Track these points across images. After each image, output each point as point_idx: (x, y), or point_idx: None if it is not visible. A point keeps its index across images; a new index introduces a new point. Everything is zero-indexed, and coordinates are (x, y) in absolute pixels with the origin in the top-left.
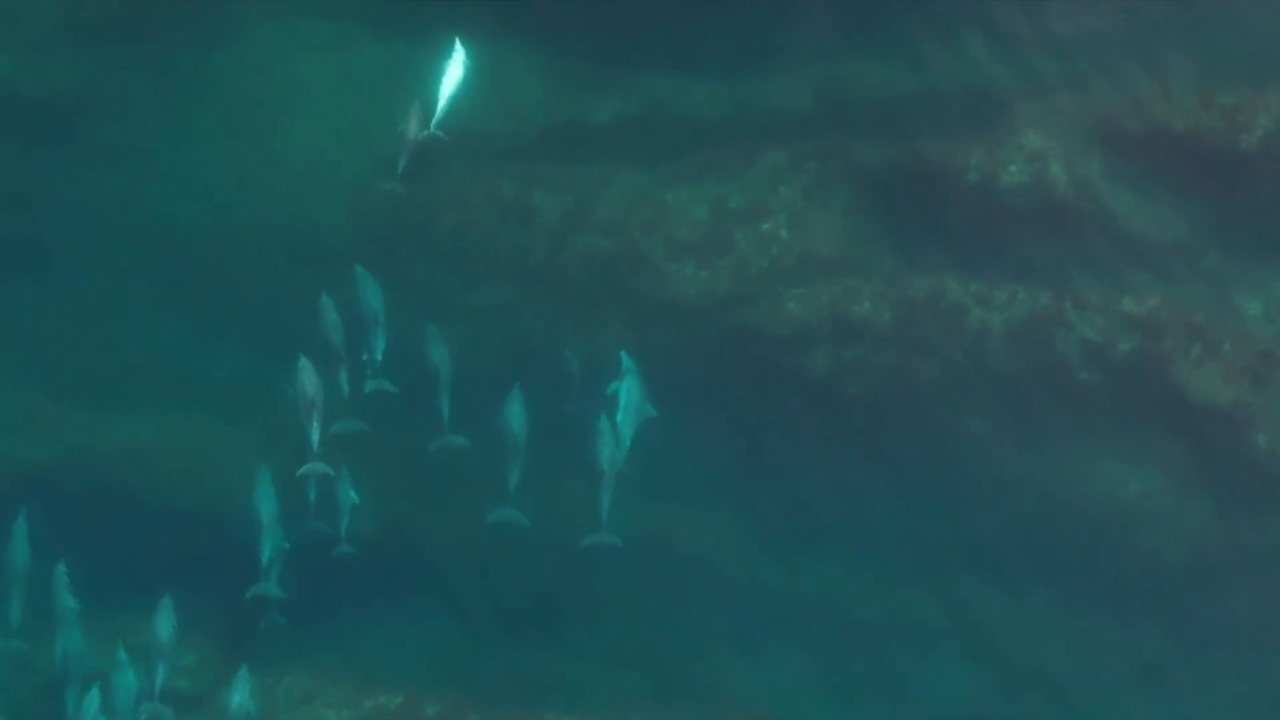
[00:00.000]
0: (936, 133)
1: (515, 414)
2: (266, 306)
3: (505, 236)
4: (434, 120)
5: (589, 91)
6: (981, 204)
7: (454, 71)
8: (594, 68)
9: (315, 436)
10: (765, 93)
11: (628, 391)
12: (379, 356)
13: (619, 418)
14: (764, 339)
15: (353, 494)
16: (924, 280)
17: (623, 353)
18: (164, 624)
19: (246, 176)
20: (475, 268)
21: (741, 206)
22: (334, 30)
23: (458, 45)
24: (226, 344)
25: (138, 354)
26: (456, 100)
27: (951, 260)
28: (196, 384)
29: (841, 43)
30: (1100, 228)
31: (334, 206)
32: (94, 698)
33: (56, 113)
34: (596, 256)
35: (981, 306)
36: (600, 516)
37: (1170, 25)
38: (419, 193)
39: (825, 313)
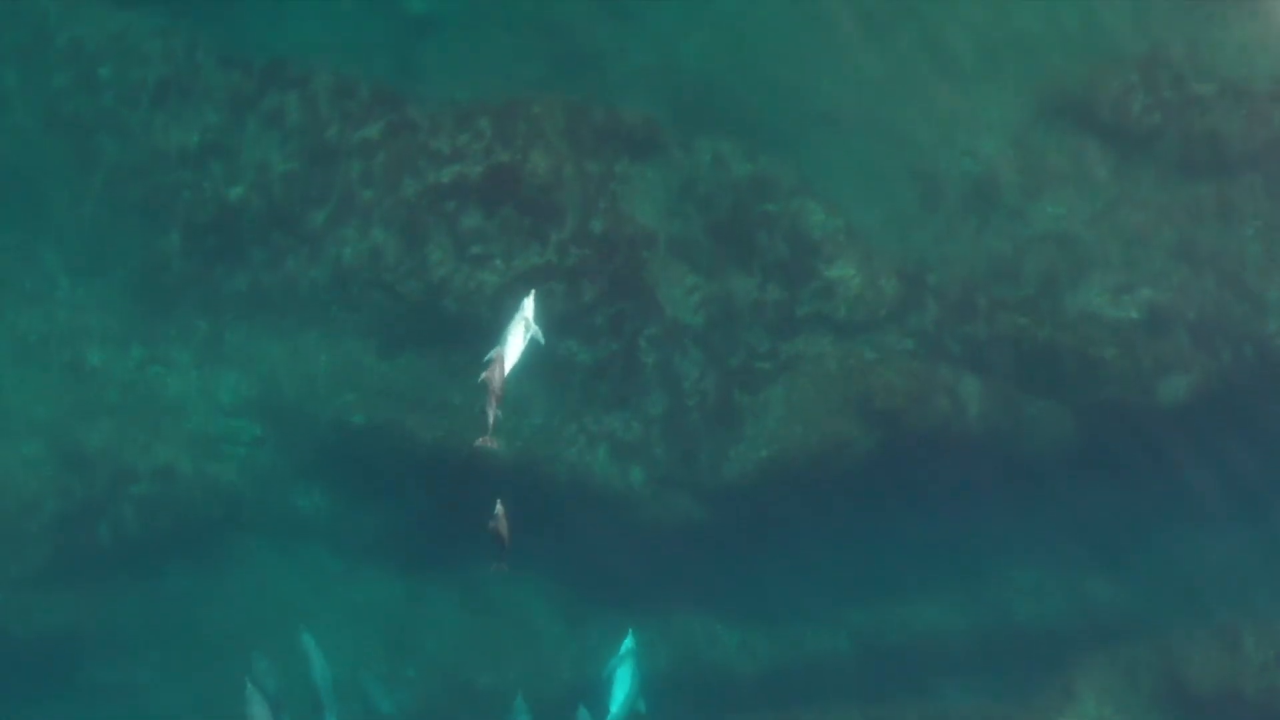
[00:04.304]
0: (985, 689)
1: None
2: None
3: None
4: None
5: (613, 635)
6: None
7: (518, 337)
8: (618, 608)
9: None
10: (803, 641)
11: (622, 681)
12: None
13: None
14: None
15: None
16: None
17: (630, 630)
18: None
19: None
20: None
21: None
22: (344, 567)
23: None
24: None
25: None
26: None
27: None
28: None
29: (885, 582)
30: None
31: None
32: None
33: (46, 652)
34: None
35: None
36: None
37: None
38: None
39: None
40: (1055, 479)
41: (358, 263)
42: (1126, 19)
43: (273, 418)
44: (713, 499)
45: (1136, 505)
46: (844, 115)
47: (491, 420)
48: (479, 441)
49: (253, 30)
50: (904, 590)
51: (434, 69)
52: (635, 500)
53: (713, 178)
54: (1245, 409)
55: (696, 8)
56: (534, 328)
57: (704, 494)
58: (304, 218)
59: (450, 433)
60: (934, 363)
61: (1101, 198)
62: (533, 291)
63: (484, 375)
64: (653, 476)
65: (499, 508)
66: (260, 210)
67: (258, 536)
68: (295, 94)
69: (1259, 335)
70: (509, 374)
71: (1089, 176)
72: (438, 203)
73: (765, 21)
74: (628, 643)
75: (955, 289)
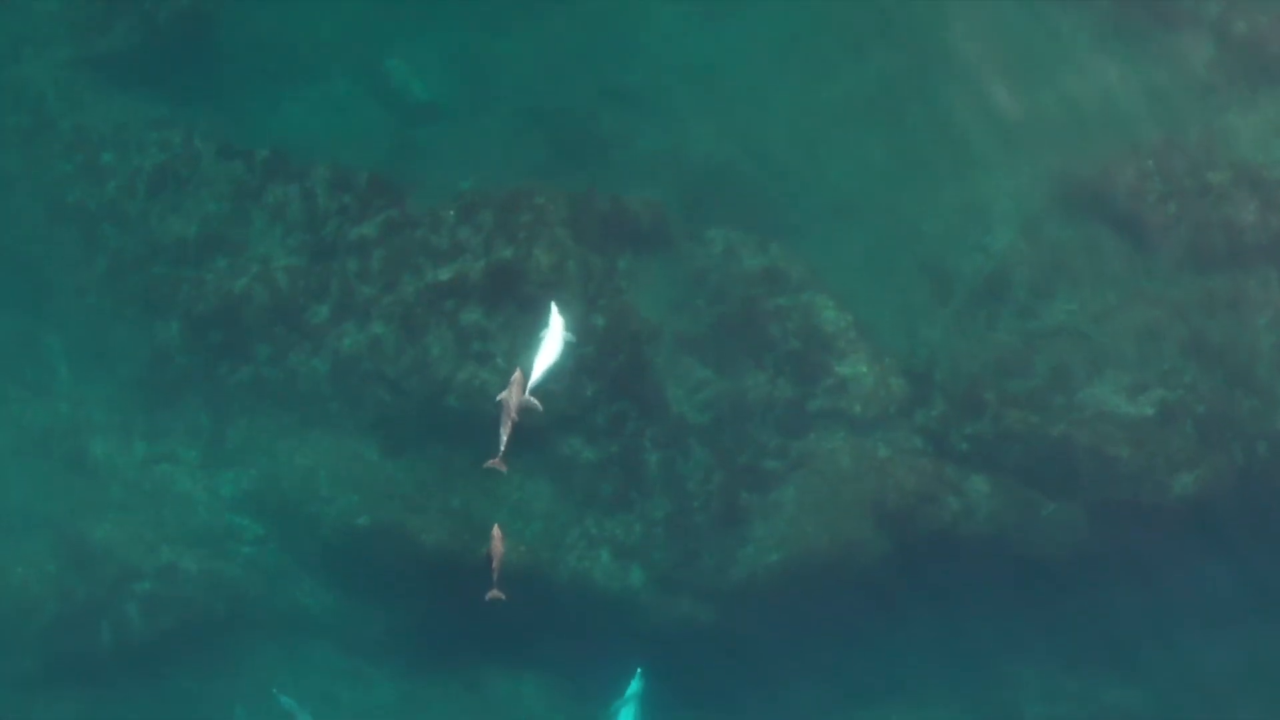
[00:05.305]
0: None
1: None
2: None
3: None
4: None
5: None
6: None
7: (552, 341)
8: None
9: None
10: None
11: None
12: None
13: None
14: None
15: None
16: None
17: (638, 669)
18: None
19: None
20: None
21: None
22: (349, 666)
23: (554, 310)
24: None
25: None
26: (552, 369)
27: None
28: None
29: (894, 683)
30: None
31: None
32: None
33: None
34: None
35: None
36: None
37: None
38: None
39: None
40: (1067, 578)
41: (359, 359)
42: (1141, 107)
43: (276, 516)
44: (719, 602)
45: (1149, 606)
46: (855, 206)
47: (504, 441)
48: (488, 463)
49: (253, 120)
50: (914, 692)
51: (436, 157)
52: (637, 603)
53: (723, 269)
54: (1259, 506)
55: (705, 95)
56: (565, 333)
57: (710, 597)
58: (306, 314)
59: (452, 534)
60: (941, 461)
61: (1114, 291)
62: (553, 302)
63: (502, 395)
64: (655, 579)
65: (496, 531)
66: (263, 305)
67: (262, 635)
68: (295, 187)
69: (1272, 432)
70: (543, 381)
71: (1102, 270)
72: (438, 300)
73: (775, 110)
74: (635, 684)
75: (964, 385)
